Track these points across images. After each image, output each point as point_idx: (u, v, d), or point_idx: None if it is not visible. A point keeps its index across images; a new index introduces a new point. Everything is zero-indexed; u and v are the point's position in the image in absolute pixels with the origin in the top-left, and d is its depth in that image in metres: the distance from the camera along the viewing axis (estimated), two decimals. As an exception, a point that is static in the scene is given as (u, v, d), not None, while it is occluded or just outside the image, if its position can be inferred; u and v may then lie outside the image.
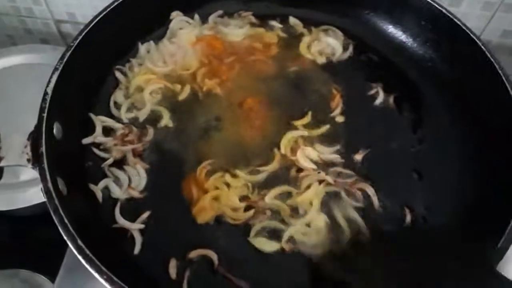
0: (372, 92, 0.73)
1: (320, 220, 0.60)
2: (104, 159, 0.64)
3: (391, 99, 0.72)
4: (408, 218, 0.61)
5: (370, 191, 0.62)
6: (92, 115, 0.67)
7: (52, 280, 0.74)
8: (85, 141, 0.65)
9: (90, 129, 0.66)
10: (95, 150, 0.65)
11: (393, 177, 0.64)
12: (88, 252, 0.47)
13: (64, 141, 0.60)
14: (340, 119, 0.69)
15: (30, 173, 0.79)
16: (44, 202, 0.74)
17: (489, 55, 0.65)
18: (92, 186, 0.62)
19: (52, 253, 0.75)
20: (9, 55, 0.95)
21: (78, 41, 0.63)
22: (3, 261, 0.79)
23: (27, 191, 0.79)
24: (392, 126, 0.70)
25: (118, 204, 0.61)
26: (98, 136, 0.66)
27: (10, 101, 0.88)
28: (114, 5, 0.68)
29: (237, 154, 0.65)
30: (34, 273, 0.78)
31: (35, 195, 0.78)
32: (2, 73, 0.93)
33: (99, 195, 0.62)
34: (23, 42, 1.08)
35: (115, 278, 0.45)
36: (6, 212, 0.78)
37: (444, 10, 0.71)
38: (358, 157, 0.66)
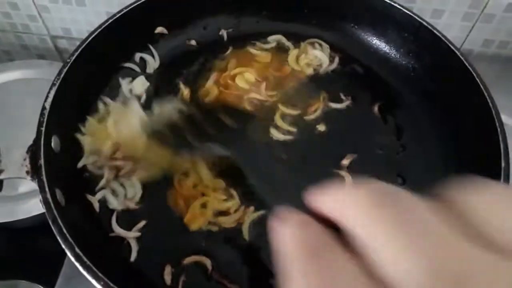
0: (349, 101, 0.76)
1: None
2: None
3: (375, 108, 0.75)
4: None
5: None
6: (79, 136, 0.68)
7: (51, 290, 0.76)
8: (79, 164, 0.66)
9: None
10: (89, 167, 0.67)
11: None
12: (85, 259, 0.49)
13: (62, 153, 0.62)
14: (321, 128, 0.72)
15: (29, 185, 0.81)
16: (43, 213, 0.77)
17: (467, 65, 0.68)
18: (89, 197, 0.64)
19: (52, 264, 0.77)
20: (6, 70, 0.97)
21: (75, 56, 0.66)
22: (3, 272, 0.81)
23: (27, 203, 0.80)
24: (377, 133, 0.72)
25: (115, 214, 0.63)
26: (88, 156, 0.67)
27: (8, 115, 0.90)
28: (110, 22, 0.71)
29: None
30: (34, 283, 0.80)
31: (34, 207, 0.80)
32: (0, 88, 0.95)
33: (96, 206, 0.64)
34: (20, 58, 1.10)
35: (111, 284, 0.47)
36: (6, 223, 0.80)
37: (424, 23, 0.74)
38: (345, 162, 0.68)
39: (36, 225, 0.83)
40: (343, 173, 0.67)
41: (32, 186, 0.81)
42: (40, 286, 0.80)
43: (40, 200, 0.54)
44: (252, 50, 0.82)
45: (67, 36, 1.04)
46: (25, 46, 1.10)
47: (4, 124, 0.88)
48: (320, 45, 0.82)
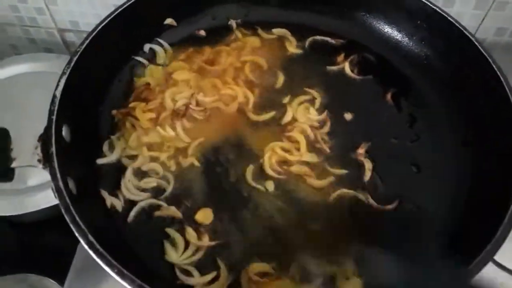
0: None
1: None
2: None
3: (389, 96, 0.74)
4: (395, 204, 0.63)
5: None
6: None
7: (61, 284, 0.76)
8: (99, 161, 0.66)
9: (97, 130, 0.68)
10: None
11: (392, 170, 0.66)
12: (98, 246, 0.48)
13: (73, 144, 0.61)
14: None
15: (38, 178, 0.81)
16: (52, 207, 0.77)
17: (482, 51, 0.67)
18: (102, 192, 0.63)
19: (60, 257, 0.76)
20: (14, 64, 0.96)
21: (85, 45, 0.65)
22: (12, 266, 0.80)
23: (35, 196, 0.79)
24: (390, 121, 0.72)
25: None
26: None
27: (17, 108, 0.89)
28: (118, 11, 0.70)
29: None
30: (43, 277, 0.79)
31: (43, 200, 0.79)
32: (8, 81, 0.95)
33: (109, 202, 0.63)
34: (27, 52, 1.09)
35: (125, 272, 0.47)
36: (15, 217, 0.79)
37: (437, 9, 0.73)
38: (361, 151, 0.67)
39: (45, 219, 0.83)
40: (362, 159, 0.66)
41: (40, 179, 0.81)
42: (49, 279, 0.79)
43: (52, 189, 0.53)
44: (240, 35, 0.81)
45: (74, 29, 1.03)
46: (33, 40, 1.09)
47: (13, 117, 0.87)
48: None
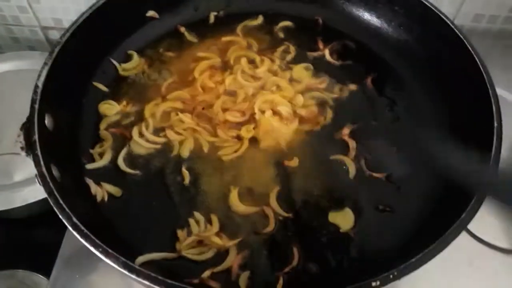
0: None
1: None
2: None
3: (369, 80, 0.75)
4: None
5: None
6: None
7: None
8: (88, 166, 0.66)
9: (81, 121, 0.69)
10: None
11: (374, 150, 0.68)
12: (83, 228, 0.48)
13: (56, 132, 0.62)
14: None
15: (24, 173, 0.81)
16: (39, 202, 0.77)
17: (459, 33, 0.69)
18: (87, 180, 0.64)
19: (49, 253, 0.76)
20: (-3, 62, 0.97)
21: (66, 37, 0.66)
22: (1, 262, 0.80)
23: (22, 190, 0.80)
24: (371, 104, 0.73)
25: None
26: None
27: (1, 104, 0.89)
28: (101, 3, 0.71)
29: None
30: (32, 272, 0.79)
31: (30, 194, 0.79)
32: (-9, 80, 0.95)
33: (93, 189, 0.63)
34: (10, 51, 1.09)
35: (110, 250, 0.47)
36: (3, 212, 0.79)
37: (414, -6, 0.74)
38: (345, 131, 0.69)
39: (32, 215, 0.83)
40: (347, 139, 0.68)
41: (27, 174, 0.81)
42: (38, 275, 0.79)
43: (36, 175, 0.53)
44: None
45: (57, 27, 1.03)
46: (16, 39, 1.09)
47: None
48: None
